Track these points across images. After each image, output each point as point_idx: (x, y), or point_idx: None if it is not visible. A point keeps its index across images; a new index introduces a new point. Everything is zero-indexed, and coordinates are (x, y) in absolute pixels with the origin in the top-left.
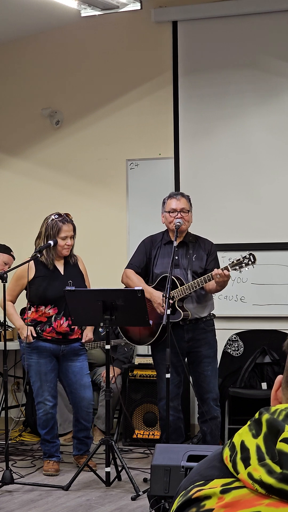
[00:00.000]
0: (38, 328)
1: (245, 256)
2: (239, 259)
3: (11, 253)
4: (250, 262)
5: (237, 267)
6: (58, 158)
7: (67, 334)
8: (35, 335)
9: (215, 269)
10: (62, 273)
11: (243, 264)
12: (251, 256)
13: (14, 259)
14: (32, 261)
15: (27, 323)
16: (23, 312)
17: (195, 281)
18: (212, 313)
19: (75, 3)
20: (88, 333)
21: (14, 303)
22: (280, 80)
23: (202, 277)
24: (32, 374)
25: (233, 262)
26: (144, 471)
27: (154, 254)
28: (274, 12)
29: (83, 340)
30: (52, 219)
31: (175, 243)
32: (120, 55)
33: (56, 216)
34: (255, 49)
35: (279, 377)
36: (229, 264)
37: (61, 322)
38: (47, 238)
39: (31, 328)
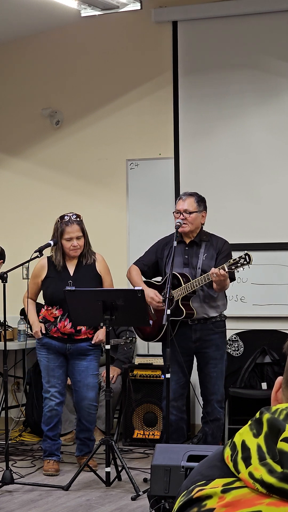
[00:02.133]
0: (46, 326)
1: (241, 256)
2: (235, 259)
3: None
4: (245, 262)
5: (233, 267)
6: (58, 158)
7: (72, 335)
8: (44, 332)
9: (212, 268)
10: (72, 274)
11: (239, 264)
12: (246, 256)
13: (4, 262)
14: (46, 261)
15: (40, 320)
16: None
17: (195, 279)
18: (224, 315)
19: (75, 3)
20: (99, 334)
21: (35, 301)
22: (280, 80)
23: (202, 276)
24: (42, 369)
25: (229, 261)
26: (144, 471)
27: (167, 254)
28: (274, 12)
29: (93, 341)
30: (58, 221)
31: (175, 243)
32: (120, 55)
33: (63, 218)
34: (255, 49)
35: (279, 379)
36: (225, 264)
37: (65, 323)
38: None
39: (41, 324)
